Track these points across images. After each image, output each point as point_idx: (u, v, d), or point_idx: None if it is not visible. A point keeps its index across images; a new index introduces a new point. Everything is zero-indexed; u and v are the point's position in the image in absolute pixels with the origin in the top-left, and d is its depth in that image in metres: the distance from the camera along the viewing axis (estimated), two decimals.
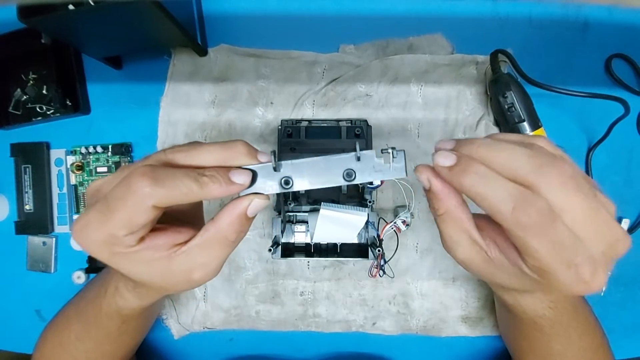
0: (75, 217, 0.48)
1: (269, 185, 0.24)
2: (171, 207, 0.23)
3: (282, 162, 0.24)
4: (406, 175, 0.24)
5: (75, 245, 0.48)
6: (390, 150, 0.23)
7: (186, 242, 0.24)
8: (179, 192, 0.22)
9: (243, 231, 0.25)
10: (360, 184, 0.31)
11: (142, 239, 0.23)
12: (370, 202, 0.40)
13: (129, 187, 0.21)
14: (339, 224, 0.35)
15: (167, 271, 0.24)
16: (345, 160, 0.24)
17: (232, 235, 0.24)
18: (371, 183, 0.42)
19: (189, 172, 0.22)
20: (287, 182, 0.24)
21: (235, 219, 0.24)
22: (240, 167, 0.24)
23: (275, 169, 0.24)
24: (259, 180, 0.24)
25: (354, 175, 0.24)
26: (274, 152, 0.24)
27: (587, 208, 0.21)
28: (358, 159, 0.24)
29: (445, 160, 0.23)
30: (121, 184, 0.22)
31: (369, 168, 0.24)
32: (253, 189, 0.24)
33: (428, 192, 0.25)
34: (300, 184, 0.24)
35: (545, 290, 0.24)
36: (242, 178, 0.23)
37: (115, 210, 0.21)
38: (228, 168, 0.23)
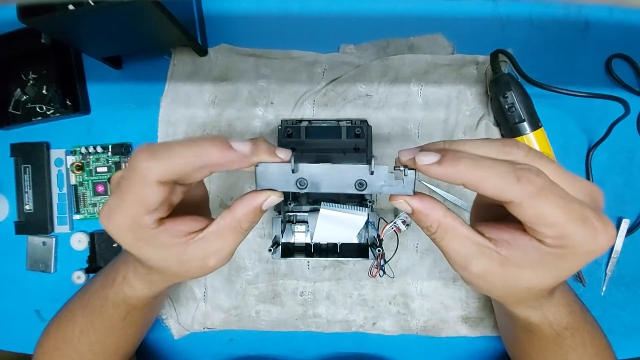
0: (75, 217, 0.48)
1: (285, 184, 0.26)
2: (180, 183, 0.24)
3: (300, 165, 0.25)
4: (413, 193, 0.25)
5: (75, 245, 0.48)
6: (402, 169, 0.25)
7: (202, 229, 0.26)
8: (178, 160, 0.22)
9: (255, 222, 0.27)
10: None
11: (161, 221, 0.25)
12: (370, 202, 0.40)
13: (131, 166, 0.23)
14: (339, 224, 0.35)
15: (184, 257, 0.26)
16: (360, 170, 0.25)
17: (246, 224, 0.26)
18: None
19: (184, 141, 0.23)
20: (302, 184, 0.25)
21: (250, 210, 0.25)
22: (247, 140, 0.25)
23: (293, 171, 0.25)
24: (277, 178, 0.25)
25: (365, 186, 0.25)
26: (294, 153, 0.26)
27: (557, 168, 0.22)
28: (372, 172, 0.25)
29: (430, 157, 0.22)
30: (127, 166, 0.24)
31: (380, 182, 0.25)
32: (270, 185, 0.26)
33: (412, 215, 0.25)
34: (314, 187, 0.26)
35: (570, 261, 0.23)
36: (242, 147, 0.23)
37: (126, 191, 0.23)
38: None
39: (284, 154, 0.25)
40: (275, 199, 0.26)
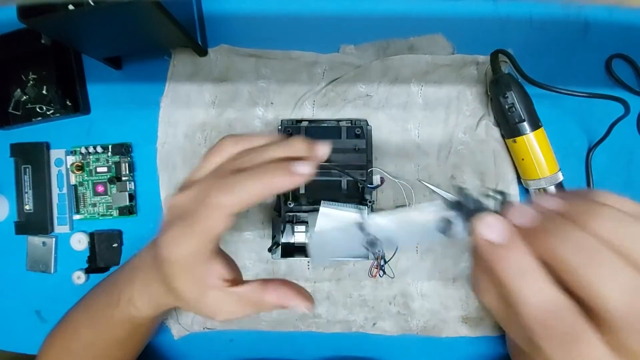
0: (75, 217, 0.48)
1: (351, 248, 0.23)
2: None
3: (366, 223, 0.22)
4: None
5: (75, 245, 0.48)
6: (498, 197, 0.19)
7: (230, 281, 0.25)
8: (250, 194, 0.23)
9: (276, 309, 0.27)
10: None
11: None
12: (370, 201, 0.40)
13: (205, 203, 0.23)
14: (338, 222, 0.35)
15: (203, 299, 0.25)
16: (437, 207, 0.21)
17: (268, 309, 0.26)
18: (371, 183, 0.42)
19: (253, 174, 0.23)
20: (372, 244, 0.22)
21: (279, 305, 0.26)
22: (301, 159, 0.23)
23: (361, 227, 0.22)
24: (339, 243, 0.23)
25: (450, 226, 0.20)
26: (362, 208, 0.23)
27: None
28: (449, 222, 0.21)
29: (523, 218, 0.18)
30: (198, 199, 0.23)
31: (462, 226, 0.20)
32: (331, 254, 0.23)
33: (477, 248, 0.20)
34: (390, 244, 0.22)
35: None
36: (305, 168, 0.23)
37: (197, 222, 0.23)
38: (287, 161, 0.24)
39: (323, 149, 0.24)
40: (308, 304, 0.25)
